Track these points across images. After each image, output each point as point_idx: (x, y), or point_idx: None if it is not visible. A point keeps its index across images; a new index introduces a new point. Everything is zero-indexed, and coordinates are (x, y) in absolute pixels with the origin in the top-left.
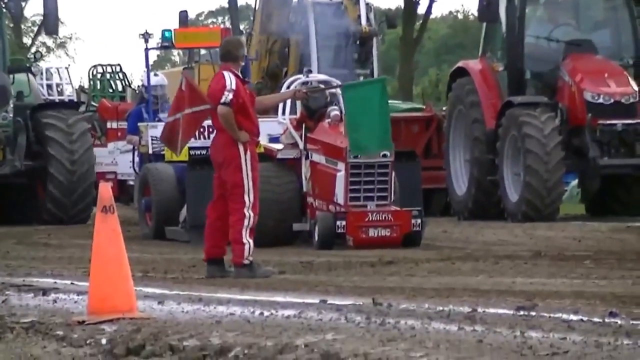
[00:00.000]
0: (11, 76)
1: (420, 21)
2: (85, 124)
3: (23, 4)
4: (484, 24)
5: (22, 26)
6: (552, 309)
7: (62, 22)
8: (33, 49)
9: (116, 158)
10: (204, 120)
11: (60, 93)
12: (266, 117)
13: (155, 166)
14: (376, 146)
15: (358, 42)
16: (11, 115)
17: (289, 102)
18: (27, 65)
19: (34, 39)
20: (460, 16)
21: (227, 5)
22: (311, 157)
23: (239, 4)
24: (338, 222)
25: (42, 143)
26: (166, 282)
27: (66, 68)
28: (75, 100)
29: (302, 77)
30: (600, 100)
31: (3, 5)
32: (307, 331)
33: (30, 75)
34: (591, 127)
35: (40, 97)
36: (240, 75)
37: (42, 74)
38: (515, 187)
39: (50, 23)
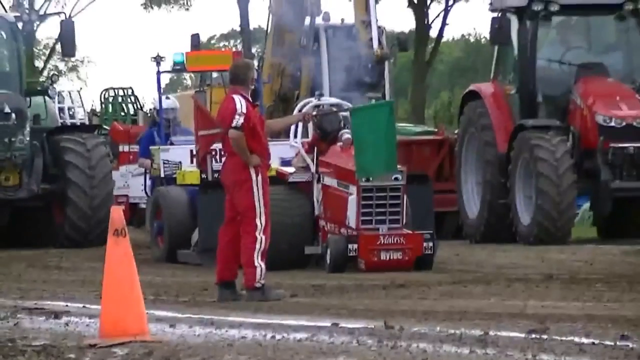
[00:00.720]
0: (27, 99)
1: (433, 44)
2: (104, 149)
3: (35, 27)
4: (496, 47)
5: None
6: (564, 332)
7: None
8: (45, 72)
9: (128, 181)
10: (213, 143)
11: (72, 116)
12: (278, 140)
13: (167, 189)
14: (382, 169)
15: (370, 65)
16: (28, 138)
17: (300, 125)
18: (44, 88)
19: (46, 62)
20: (472, 39)
21: (239, 29)
22: (323, 181)
23: (251, 27)
24: (350, 245)
25: (60, 167)
26: (178, 305)
27: (78, 91)
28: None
29: (313, 100)
30: (612, 124)
31: (21, 28)
32: (319, 354)
33: (47, 98)
34: (603, 150)
35: (57, 120)
36: (250, 99)
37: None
38: (527, 210)
39: (67, 45)
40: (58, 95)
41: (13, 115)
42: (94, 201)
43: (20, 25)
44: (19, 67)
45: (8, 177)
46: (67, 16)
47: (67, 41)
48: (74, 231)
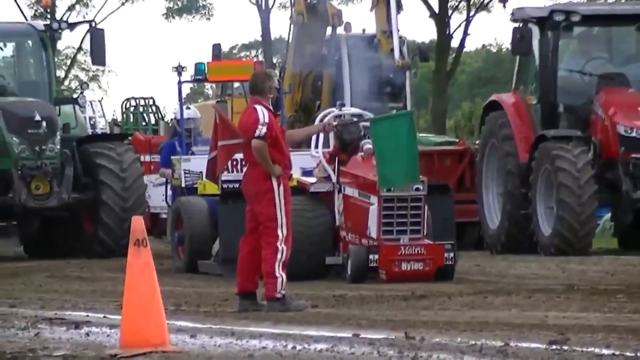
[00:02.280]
0: (57, 108)
1: (454, 54)
2: (134, 154)
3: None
4: (517, 57)
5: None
6: (585, 343)
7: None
8: (66, 82)
9: (149, 191)
10: (235, 153)
11: (93, 126)
12: (299, 150)
13: (188, 199)
14: (403, 180)
15: (391, 75)
16: (58, 147)
17: (321, 135)
18: (74, 96)
19: (67, 72)
20: (493, 49)
21: (260, 39)
22: (344, 191)
23: (272, 37)
24: (371, 256)
25: (92, 173)
26: (198, 315)
27: (99, 101)
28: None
29: (335, 110)
30: (634, 134)
31: (48, 35)
32: None
33: (77, 107)
34: (624, 161)
35: (86, 129)
36: (272, 108)
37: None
38: (548, 220)
39: (98, 54)
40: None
41: (44, 123)
42: (128, 202)
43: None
44: (48, 75)
45: (39, 185)
46: (96, 25)
47: (97, 50)
48: (108, 235)
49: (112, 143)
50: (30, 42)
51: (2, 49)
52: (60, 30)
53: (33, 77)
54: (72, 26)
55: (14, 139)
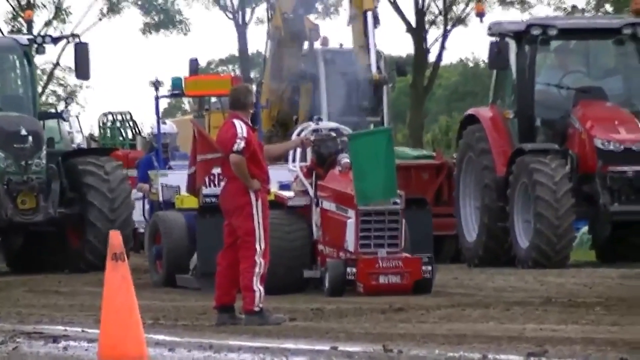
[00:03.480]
0: (41, 122)
1: (431, 68)
2: (122, 172)
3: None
4: (495, 71)
5: None
6: (563, 355)
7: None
8: (43, 98)
9: None
10: (214, 168)
11: (71, 141)
12: (277, 164)
13: (166, 214)
14: (381, 195)
15: (368, 90)
16: (44, 161)
17: (299, 150)
18: (58, 111)
19: (44, 87)
20: (470, 64)
21: (237, 54)
22: (322, 205)
23: (249, 52)
24: (348, 269)
25: (79, 190)
26: (177, 329)
27: (76, 116)
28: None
29: (312, 125)
30: (611, 147)
31: (34, 51)
32: None
33: (61, 122)
34: (601, 174)
35: (70, 143)
36: (250, 123)
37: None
38: (525, 233)
39: (82, 68)
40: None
41: (30, 138)
42: (115, 224)
43: (34, 48)
44: (32, 90)
45: (25, 200)
46: (80, 39)
47: (81, 64)
48: (93, 255)
49: (99, 160)
50: (13, 57)
51: None
52: (44, 45)
53: (16, 91)
54: (55, 40)
55: (0, 153)
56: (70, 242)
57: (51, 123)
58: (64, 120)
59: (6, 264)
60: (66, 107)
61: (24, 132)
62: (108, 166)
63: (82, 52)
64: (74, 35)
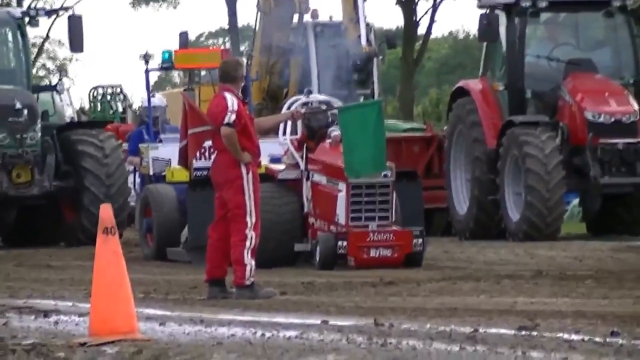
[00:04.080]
0: (35, 95)
1: (421, 41)
2: (114, 141)
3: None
4: (485, 44)
5: None
6: (554, 328)
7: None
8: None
9: None
10: (205, 141)
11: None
12: (267, 137)
13: (157, 187)
14: (370, 169)
15: (358, 63)
16: (39, 135)
17: (289, 122)
18: (52, 84)
19: (34, 61)
20: (460, 36)
21: (227, 27)
22: (312, 178)
23: (239, 25)
24: (339, 243)
25: (73, 161)
26: (167, 303)
27: (67, 90)
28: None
29: (302, 98)
30: (601, 120)
31: (27, 24)
32: (309, 352)
33: (55, 95)
34: (592, 146)
35: (64, 116)
36: (241, 96)
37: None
38: (516, 206)
39: (75, 41)
40: None
41: (25, 111)
42: (111, 189)
43: (27, 21)
44: (26, 63)
45: (20, 174)
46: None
47: (75, 37)
48: (91, 223)
49: (93, 130)
50: (6, 30)
51: None
52: (37, 18)
53: (10, 65)
54: (49, 13)
55: None
56: (65, 215)
57: (44, 96)
58: (58, 93)
59: (0, 240)
60: (60, 80)
61: (18, 105)
62: (102, 136)
63: (76, 25)
64: (67, 8)
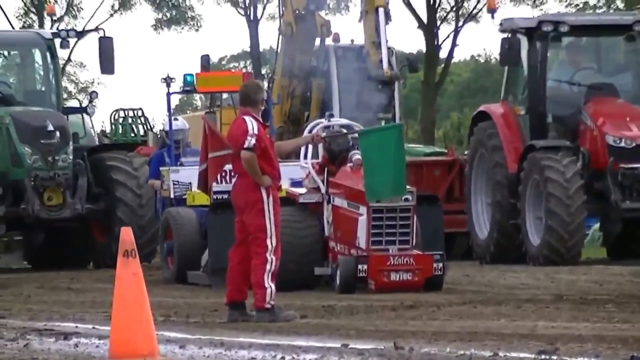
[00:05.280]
0: (66, 117)
1: (442, 65)
2: (147, 167)
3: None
4: (506, 68)
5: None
6: (574, 353)
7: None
8: None
9: None
10: (225, 165)
11: None
12: (288, 161)
13: (177, 210)
14: (390, 192)
15: (380, 86)
16: (71, 157)
17: (310, 146)
18: (83, 106)
19: None
20: (482, 60)
21: (249, 50)
22: (333, 201)
23: (261, 48)
24: (360, 266)
25: (106, 186)
26: (188, 326)
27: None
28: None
29: (324, 121)
30: (622, 144)
31: (59, 46)
32: None
33: (85, 116)
34: (613, 171)
35: (94, 138)
36: (261, 120)
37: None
38: (537, 230)
39: (106, 63)
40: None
41: (57, 133)
42: (143, 220)
43: (58, 42)
44: (56, 85)
45: (51, 196)
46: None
47: (106, 58)
48: None
49: (127, 155)
50: (37, 51)
51: (6, 58)
52: (68, 39)
53: (39, 86)
54: (80, 34)
55: (26, 149)
56: (95, 237)
57: (73, 118)
58: (89, 115)
59: (26, 261)
60: (91, 101)
61: (50, 127)
62: (136, 162)
63: (107, 46)
64: (97, 29)
